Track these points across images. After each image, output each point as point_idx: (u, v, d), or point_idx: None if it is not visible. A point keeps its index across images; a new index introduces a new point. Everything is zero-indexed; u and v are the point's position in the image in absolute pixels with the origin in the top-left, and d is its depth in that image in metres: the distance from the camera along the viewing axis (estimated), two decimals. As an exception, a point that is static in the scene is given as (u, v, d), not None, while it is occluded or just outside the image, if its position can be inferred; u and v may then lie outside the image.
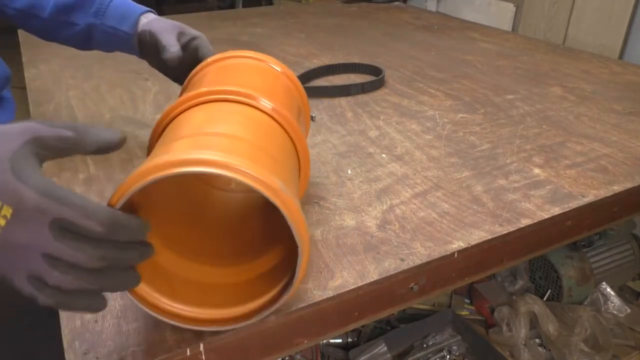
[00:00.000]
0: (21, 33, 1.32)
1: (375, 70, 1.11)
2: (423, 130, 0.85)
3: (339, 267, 0.53)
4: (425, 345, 1.19)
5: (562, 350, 1.12)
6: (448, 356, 1.17)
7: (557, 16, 1.47)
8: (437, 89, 1.04)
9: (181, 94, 0.61)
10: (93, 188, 0.66)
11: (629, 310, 1.22)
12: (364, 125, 0.87)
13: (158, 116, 0.52)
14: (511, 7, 1.61)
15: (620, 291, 1.31)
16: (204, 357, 0.45)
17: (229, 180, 0.38)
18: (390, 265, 0.53)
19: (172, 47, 0.67)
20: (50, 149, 0.37)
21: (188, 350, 0.44)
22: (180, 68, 0.69)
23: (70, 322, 0.46)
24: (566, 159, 0.76)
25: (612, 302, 1.23)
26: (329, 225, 0.60)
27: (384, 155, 0.76)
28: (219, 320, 0.44)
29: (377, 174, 0.71)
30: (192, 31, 0.72)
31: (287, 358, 1.09)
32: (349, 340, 1.19)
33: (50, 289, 0.35)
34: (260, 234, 0.54)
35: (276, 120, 0.50)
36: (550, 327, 1.14)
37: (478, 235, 0.58)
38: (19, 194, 0.34)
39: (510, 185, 0.68)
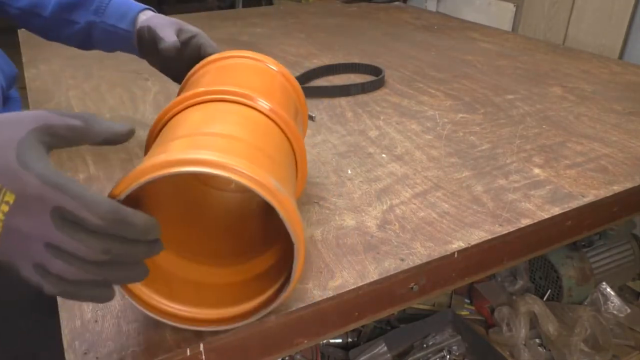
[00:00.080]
0: (21, 33, 1.32)
1: (375, 70, 1.11)
2: (423, 130, 0.85)
3: (339, 267, 0.53)
4: (425, 345, 1.19)
5: (562, 350, 1.12)
6: (448, 356, 1.17)
7: (557, 16, 1.47)
8: (437, 89, 1.04)
9: (179, 94, 0.61)
10: (93, 188, 0.66)
11: (629, 310, 1.22)
12: (364, 125, 0.87)
13: (157, 116, 0.52)
14: (511, 7, 1.61)
15: (620, 291, 1.30)
16: (204, 357, 0.45)
17: (227, 180, 0.38)
18: (390, 265, 0.53)
19: (169, 38, 0.66)
20: (58, 138, 0.37)
21: (188, 350, 0.44)
22: (181, 66, 0.68)
23: (70, 322, 0.46)
24: (566, 159, 0.76)
25: (612, 302, 1.23)
26: (329, 225, 0.60)
27: (384, 155, 0.76)
28: (217, 320, 0.44)
29: (377, 174, 0.71)
30: (191, 28, 0.71)
31: (287, 358, 1.09)
32: (349, 340, 1.19)
33: (55, 278, 0.35)
34: (258, 233, 0.54)
35: (273, 121, 0.50)
36: (550, 327, 1.14)
37: (478, 235, 0.58)
38: (22, 181, 0.34)
39: (510, 185, 0.68)
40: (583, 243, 1.24)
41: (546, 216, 0.62)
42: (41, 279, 0.35)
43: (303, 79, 1.07)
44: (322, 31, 1.50)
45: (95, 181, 0.68)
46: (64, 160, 0.73)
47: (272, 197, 0.39)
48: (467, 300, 1.30)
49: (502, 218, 0.61)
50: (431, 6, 1.91)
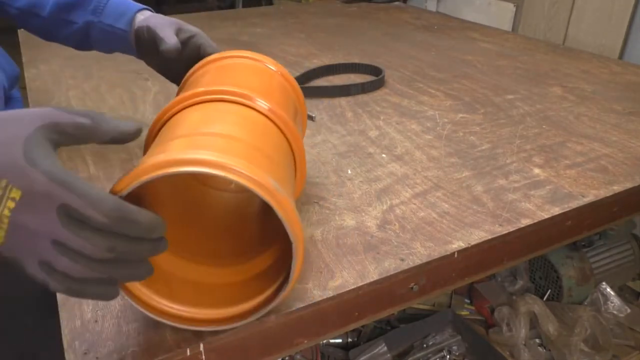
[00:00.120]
0: (21, 33, 1.32)
1: (375, 70, 1.11)
2: (423, 130, 0.85)
3: (339, 267, 0.53)
4: (425, 345, 1.19)
5: (562, 350, 1.12)
6: (448, 356, 1.17)
7: (557, 16, 1.47)
8: (437, 89, 1.04)
9: (178, 94, 0.61)
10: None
11: (629, 310, 1.22)
12: (364, 125, 0.87)
13: (157, 116, 0.52)
14: (511, 7, 1.61)
15: (620, 291, 1.31)
16: (204, 357, 0.45)
17: (226, 180, 0.38)
18: (390, 265, 0.53)
19: (170, 39, 0.66)
20: (65, 135, 0.37)
21: (188, 350, 0.44)
22: (180, 67, 0.68)
23: (70, 322, 0.46)
24: (566, 159, 0.76)
25: (612, 302, 1.23)
26: (329, 225, 0.60)
27: (384, 155, 0.76)
28: (216, 320, 0.44)
29: (377, 174, 0.71)
30: (191, 27, 0.71)
31: (287, 358, 1.09)
32: (349, 340, 1.19)
33: (60, 275, 0.35)
34: (257, 233, 0.54)
35: (272, 121, 0.50)
36: (550, 327, 1.14)
37: (478, 235, 0.58)
38: (28, 178, 0.34)
39: (510, 185, 0.68)
40: (583, 243, 1.24)
41: (546, 216, 0.62)
42: (47, 276, 0.35)
43: (303, 79, 1.07)
44: (322, 31, 1.50)
45: (95, 181, 0.68)
46: (63, 160, 0.73)
47: (270, 197, 0.39)
48: (467, 300, 1.30)
49: (502, 218, 0.61)
50: (431, 6, 1.91)
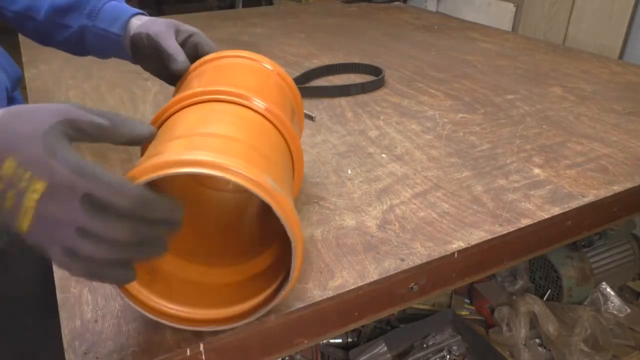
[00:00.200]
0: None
1: (375, 70, 1.11)
2: (423, 130, 0.85)
3: (339, 267, 0.53)
4: (425, 345, 1.19)
5: (562, 350, 1.12)
6: (448, 356, 1.17)
7: (557, 16, 1.47)
8: (437, 89, 1.04)
9: (175, 93, 0.61)
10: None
11: (629, 310, 1.22)
12: (364, 125, 0.87)
13: (157, 116, 0.52)
14: (511, 7, 1.61)
15: (620, 291, 1.31)
16: (204, 357, 0.45)
17: (224, 180, 0.38)
18: (390, 265, 0.53)
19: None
20: (81, 133, 0.39)
21: (188, 350, 0.44)
22: None
23: (70, 322, 0.46)
24: (566, 159, 0.76)
25: (612, 302, 1.23)
26: (329, 225, 0.60)
27: (384, 155, 0.76)
28: (216, 320, 0.44)
29: (377, 174, 0.71)
30: (188, 27, 0.70)
31: (287, 358, 1.09)
32: (349, 340, 1.19)
33: (83, 260, 0.37)
34: (256, 233, 0.54)
35: (269, 120, 0.50)
36: (550, 327, 1.14)
37: (478, 235, 0.58)
38: (51, 170, 0.35)
39: (510, 185, 0.68)
40: (583, 243, 1.24)
41: (546, 216, 0.62)
42: (70, 262, 0.37)
43: (303, 79, 1.07)
44: (322, 31, 1.50)
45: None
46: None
47: (269, 197, 0.39)
48: (467, 300, 1.30)
49: (502, 218, 0.61)
50: (431, 6, 1.91)
